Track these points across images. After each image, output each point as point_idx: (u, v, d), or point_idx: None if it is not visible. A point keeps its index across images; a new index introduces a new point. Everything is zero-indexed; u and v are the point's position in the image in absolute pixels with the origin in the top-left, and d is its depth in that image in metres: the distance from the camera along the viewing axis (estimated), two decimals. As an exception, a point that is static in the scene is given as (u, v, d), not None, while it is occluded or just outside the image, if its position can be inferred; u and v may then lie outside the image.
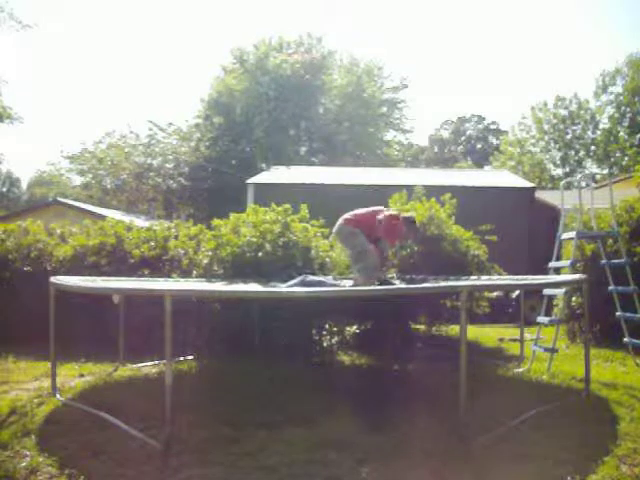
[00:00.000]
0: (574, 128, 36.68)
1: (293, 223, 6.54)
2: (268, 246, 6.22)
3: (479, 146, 52.69)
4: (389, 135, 35.04)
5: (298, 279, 5.38)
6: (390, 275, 6.74)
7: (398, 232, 5.92)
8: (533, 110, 37.43)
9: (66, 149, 36.62)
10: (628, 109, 34.79)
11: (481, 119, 54.01)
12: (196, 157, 26.00)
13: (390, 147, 34.15)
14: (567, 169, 36.47)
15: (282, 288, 5.14)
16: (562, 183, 7.63)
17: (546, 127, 37.10)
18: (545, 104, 37.10)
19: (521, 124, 38.59)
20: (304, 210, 6.80)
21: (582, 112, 36.37)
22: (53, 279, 4.75)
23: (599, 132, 35.81)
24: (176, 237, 7.53)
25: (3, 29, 21.04)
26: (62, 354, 5.33)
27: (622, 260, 6.25)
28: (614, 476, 3.05)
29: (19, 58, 68.67)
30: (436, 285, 5.51)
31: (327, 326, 6.66)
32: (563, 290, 6.21)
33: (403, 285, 5.85)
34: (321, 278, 5.68)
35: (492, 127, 53.15)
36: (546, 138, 37.16)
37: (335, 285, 5.40)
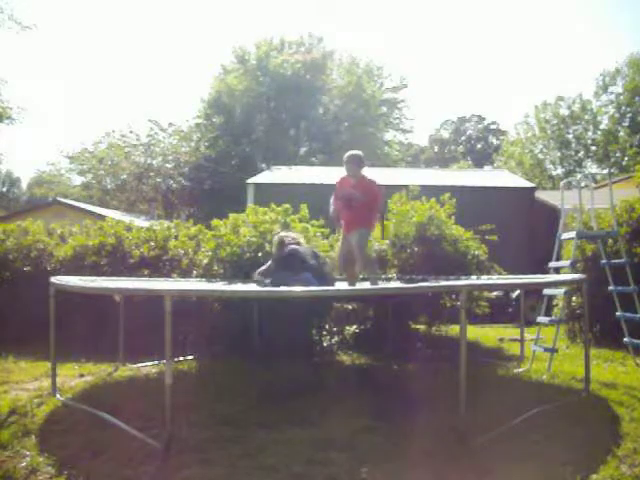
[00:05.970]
0: (575, 128, 36.65)
1: (293, 223, 6.54)
2: (268, 246, 6.22)
3: (479, 146, 52.71)
4: (389, 135, 35.14)
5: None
6: (391, 275, 6.74)
7: None
8: (537, 109, 37.41)
9: (66, 149, 36.67)
10: (628, 109, 34.79)
11: (481, 119, 54.03)
12: (196, 157, 25.99)
13: (390, 147, 34.16)
14: (567, 169, 36.45)
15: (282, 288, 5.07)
16: (562, 183, 7.62)
17: (546, 126, 37.08)
18: (548, 104, 37.09)
19: (525, 123, 38.61)
20: (304, 210, 6.80)
21: (582, 112, 36.34)
22: (53, 279, 4.73)
23: (599, 132, 35.80)
24: (176, 237, 7.52)
25: (3, 30, 20.99)
26: (62, 354, 5.32)
27: (622, 260, 6.24)
28: (614, 476, 3.04)
29: (19, 58, 68.69)
30: (436, 284, 5.50)
31: (327, 326, 6.67)
32: (563, 290, 6.20)
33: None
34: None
35: (492, 127, 53.16)
36: (547, 138, 37.14)
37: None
